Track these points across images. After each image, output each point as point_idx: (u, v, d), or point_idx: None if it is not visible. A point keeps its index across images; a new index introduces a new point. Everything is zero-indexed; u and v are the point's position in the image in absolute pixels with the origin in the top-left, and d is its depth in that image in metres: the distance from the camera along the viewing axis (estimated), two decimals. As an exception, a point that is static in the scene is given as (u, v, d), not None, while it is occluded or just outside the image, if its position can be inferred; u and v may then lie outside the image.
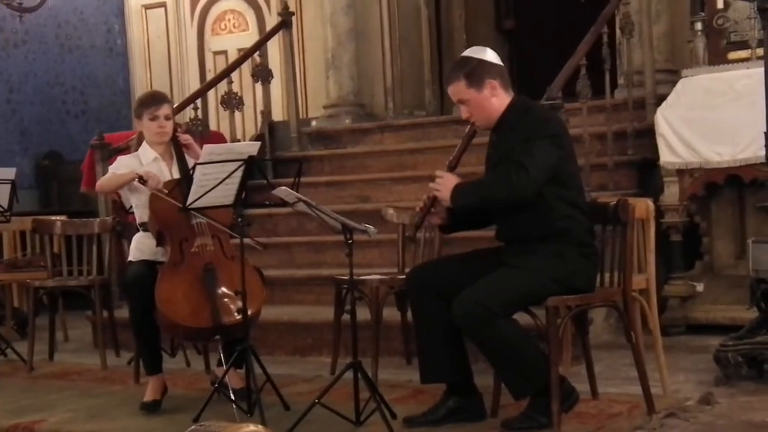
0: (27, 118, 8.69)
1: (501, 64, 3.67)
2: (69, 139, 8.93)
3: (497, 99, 3.59)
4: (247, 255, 3.95)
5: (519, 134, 3.52)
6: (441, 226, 3.78)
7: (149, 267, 4.13)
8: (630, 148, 5.68)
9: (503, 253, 3.63)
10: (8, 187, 5.33)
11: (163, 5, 8.56)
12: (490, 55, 3.64)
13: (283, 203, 3.79)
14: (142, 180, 4.07)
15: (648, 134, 5.46)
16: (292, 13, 7.39)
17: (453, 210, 3.64)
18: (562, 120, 3.73)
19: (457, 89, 3.60)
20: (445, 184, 3.55)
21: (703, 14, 5.35)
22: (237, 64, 7.14)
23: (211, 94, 7.45)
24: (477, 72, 3.58)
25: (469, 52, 3.70)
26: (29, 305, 5.42)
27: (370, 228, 3.68)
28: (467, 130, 3.69)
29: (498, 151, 3.64)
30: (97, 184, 4.37)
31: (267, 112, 7.22)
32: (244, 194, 3.90)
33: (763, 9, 4.03)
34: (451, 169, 3.61)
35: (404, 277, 4.02)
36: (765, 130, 4.10)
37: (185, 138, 4.29)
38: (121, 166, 4.28)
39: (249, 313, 3.89)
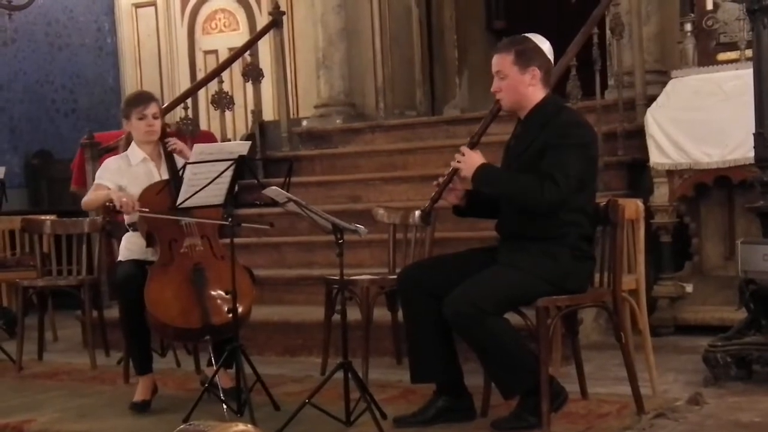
0: (16, 116, 8.65)
1: (552, 60, 3.65)
2: (59, 137, 8.90)
3: (533, 89, 3.58)
4: (237, 255, 3.94)
5: (548, 133, 3.50)
6: (455, 207, 3.74)
7: (139, 266, 4.12)
8: (620, 149, 5.69)
9: (495, 253, 3.64)
10: (-3, 186, 5.31)
11: (153, 4, 8.55)
12: (547, 48, 3.64)
13: (274, 203, 3.79)
14: (116, 208, 4.06)
15: (638, 135, 5.47)
16: (283, 13, 7.39)
17: (471, 192, 3.61)
18: (591, 126, 3.70)
19: (503, 61, 3.58)
20: (469, 161, 3.51)
21: (692, 15, 5.37)
22: (228, 63, 7.13)
23: (201, 93, 7.45)
24: (528, 54, 3.57)
25: (530, 36, 3.67)
26: (18, 305, 5.40)
27: (361, 228, 3.68)
28: (492, 107, 3.66)
29: (521, 142, 3.61)
30: (83, 202, 4.38)
31: (258, 112, 7.21)
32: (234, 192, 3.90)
33: (752, 10, 4.05)
34: (473, 145, 3.58)
35: (395, 277, 4.02)
36: (754, 131, 4.12)
37: (174, 144, 4.25)
38: (107, 172, 4.27)
39: (239, 312, 3.88)
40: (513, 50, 3.57)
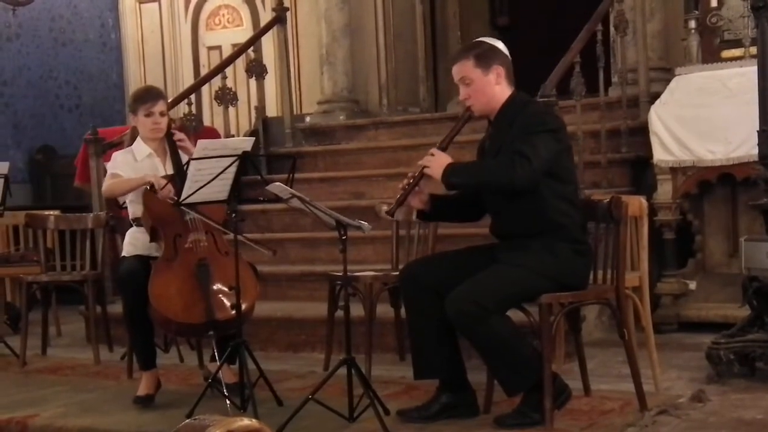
0: (20, 111, 8.66)
1: (509, 57, 3.68)
2: (62, 133, 8.91)
3: (500, 87, 3.60)
4: (241, 250, 3.94)
5: (517, 127, 3.52)
6: (419, 212, 3.75)
7: (143, 262, 4.13)
8: (623, 146, 5.69)
9: (496, 250, 3.64)
10: (1, 181, 5.29)
11: (157, 0, 8.55)
12: (502, 46, 3.67)
13: (277, 199, 3.79)
14: (154, 189, 4.06)
15: (641, 132, 5.47)
16: (287, 9, 7.39)
17: (436, 196, 3.63)
18: (560, 116, 3.73)
19: (464, 68, 3.60)
20: (437, 160, 3.53)
21: (696, 12, 5.37)
22: (231, 59, 7.13)
23: (205, 89, 7.46)
24: (487, 55, 3.60)
25: (482, 39, 3.72)
26: (22, 300, 5.42)
27: (364, 224, 3.68)
28: (461, 113, 3.67)
29: (495, 142, 3.63)
30: (105, 188, 4.32)
31: (261, 108, 7.22)
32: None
33: (756, 7, 4.05)
34: (443, 149, 3.59)
35: (398, 273, 4.03)
36: (758, 129, 4.12)
37: (179, 138, 4.26)
38: (119, 164, 4.26)
39: (242, 308, 3.89)
40: (471, 55, 3.60)
